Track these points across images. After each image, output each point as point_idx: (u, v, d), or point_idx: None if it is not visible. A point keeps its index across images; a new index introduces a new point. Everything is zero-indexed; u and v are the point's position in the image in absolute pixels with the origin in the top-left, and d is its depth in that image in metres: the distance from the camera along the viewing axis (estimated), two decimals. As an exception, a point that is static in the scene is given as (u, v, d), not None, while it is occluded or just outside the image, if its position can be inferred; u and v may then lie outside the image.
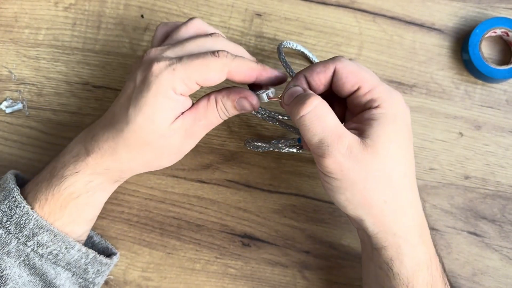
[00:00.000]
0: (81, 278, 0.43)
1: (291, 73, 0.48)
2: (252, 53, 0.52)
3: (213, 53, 0.38)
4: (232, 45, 0.41)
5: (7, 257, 0.40)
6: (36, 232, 0.40)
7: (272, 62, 0.52)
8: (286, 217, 0.50)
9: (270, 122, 0.48)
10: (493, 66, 0.50)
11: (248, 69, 0.39)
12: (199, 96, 0.42)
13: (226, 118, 0.42)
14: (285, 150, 0.48)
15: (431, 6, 0.53)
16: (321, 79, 0.39)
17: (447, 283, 0.41)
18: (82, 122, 0.51)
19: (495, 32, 0.51)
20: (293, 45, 0.50)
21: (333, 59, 0.39)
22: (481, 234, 0.50)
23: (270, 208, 0.50)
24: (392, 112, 0.38)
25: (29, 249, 0.40)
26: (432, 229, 0.50)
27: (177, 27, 0.42)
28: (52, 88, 0.52)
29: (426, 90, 0.52)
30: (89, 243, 0.47)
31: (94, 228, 0.48)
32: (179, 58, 0.38)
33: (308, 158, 0.51)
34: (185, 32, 0.41)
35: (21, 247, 0.40)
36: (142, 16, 0.53)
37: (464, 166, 0.51)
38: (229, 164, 0.51)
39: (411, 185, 0.39)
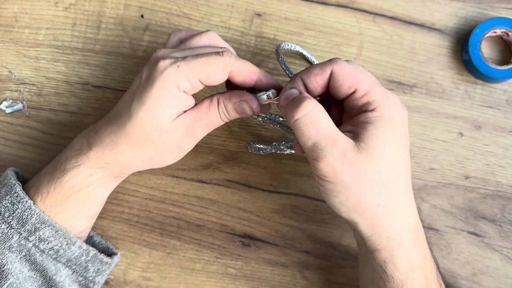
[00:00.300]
0: (81, 276, 0.43)
1: (290, 75, 0.48)
2: (252, 53, 0.52)
3: (218, 52, 0.39)
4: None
5: (9, 252, 0.40)
6: (38, 227, 0.40)
7: (272, 62, 0.52)
8: (286, 217, 0.50)
9: (271, 125, 0.48)
10: (493, 66, 0.50)
11: (250, 71, 0.40)
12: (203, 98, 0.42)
13: (227, 120, 0.42)
14: (287, 152, 0.48)
15: (431, 6, 0.53)
16: (318, 81, 0.39)
17: (442, 285, 0.41)
18: (82, 122, 0.51)
19: (495, 32, 0.51)
20: (291, 46, 0.50)
21: (330, 61, 0.39)
22: (481, 234, 0.50)
23: (270, 208, 0.50)
24: (388, 116, 0.38)
25: (30, 244, 0.40)
26: (432, 229, 0.50)
27: (192, 36, 0.43)
28: (52, 88, 0.52)
29: (426, 90, 0.52)
30: (89, 243, 0.47)
31: (94, 228, 0.48)
32: (184, 57, 0.39)
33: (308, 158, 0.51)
34: (198, 41, 0.42)
35: (22, 242, 0.40)
36: (142, 16, 0.53)
37: (464, 166, 0.51)
38: (229, 164, 0.51)
39: (407, 188, 0.39)
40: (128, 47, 0.52)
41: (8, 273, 0.40)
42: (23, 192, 0.41)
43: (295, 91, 0.39)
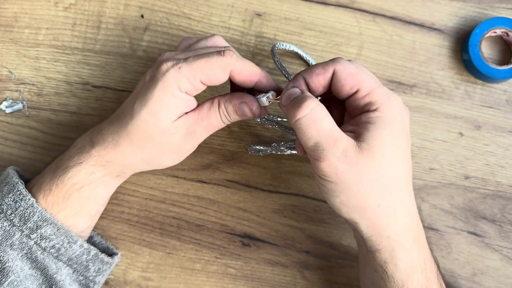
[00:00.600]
0: (82, 276, 0.43)
1: (286, 75, 0.48)
2: (252, 53, 0.52)
3: (218, 52, 0.39)
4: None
5: (10, 249, 0.40)
6: (40, 225, 0.40)
7: (272, 63, 0.52)
8: (286, 217, 0.50)
9: (270, 126, 0.48)
10: (493, 66, 0.50)
11: (251, 72, 0.41)
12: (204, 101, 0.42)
13: (227, 122, 0.42)
14: (288, 152, 0.48)
15: (431, 6, 0.53)
16: (320, 80, 0.40)
17: (443, 285, 0.41)
18: (82, 122, 0.51)
19: (495, 32, 0.51)
20: (286, 46, 0.50)
21: (333, 60, 0.39)
22: (481, 234, 0.50)
23: (270, 208, 0.50)
24: (390, 116, 0.38)
25: (32, 242, 0.40)
26: (432, 229, 0.50)
27: (198, 40, 0.44)
28: (52, 88, 0.52)
29: (426, 90, 0.52)
30: (89, 243, 0.47)
31: (94, 228, 0.48)
32: (186, 59, 0.39)
33: (308, 158, 0.51)
34: (203, 44, 0.43)
35: (24, 239, 0.40)
36: (142, 16, 0.53)
37: (464, 166, 0.51)
38: (229, 164, 0.51)
39: (407, 189, 0.39)
40: (128, 47, 0.52)
41: (9, 270, 0.40)
42: (26, 190, 0.41)
43: (297, 90, 0.39)
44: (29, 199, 0.41)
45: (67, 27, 0.53)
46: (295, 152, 0.47)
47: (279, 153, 0.48)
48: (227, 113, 0.41)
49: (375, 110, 0.38)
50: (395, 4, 0.53)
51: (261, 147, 0.48)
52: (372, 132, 0.37)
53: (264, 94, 0.42)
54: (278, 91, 0.42)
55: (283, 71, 0.48)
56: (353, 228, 0.41)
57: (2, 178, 0.43)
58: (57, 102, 0.52)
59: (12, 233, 0.40)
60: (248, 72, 0.40)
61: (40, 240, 0.41)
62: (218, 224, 0.50)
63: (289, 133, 0.48)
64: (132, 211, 0.50)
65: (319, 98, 0.43)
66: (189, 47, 0.44)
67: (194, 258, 0.50)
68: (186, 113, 0.41)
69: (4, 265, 0.40)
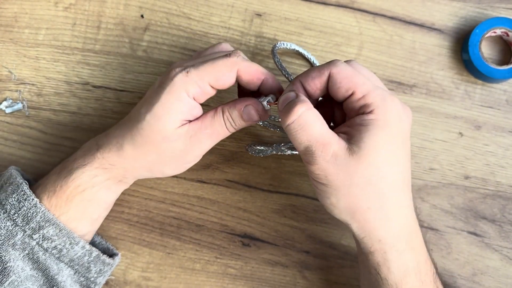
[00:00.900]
0: (83, 277, 0.43)
1: (287, 75, 0.48)
2: (252, 53, 0.52)
3: (225, 55, 0.40)
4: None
5: (12, 249, 0.40)
6: (43, 225, 0.40)
7: (272, 63, 0.52)
8: (286, 217, 0.50)
9: (271, 129, 0.48)
10: (493, 66, 0.50)
11: (257, 71, 0.41)
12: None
13: (232, 130, 0.42)
14: (288, 153, 0.48)
15: (431, 6, 0.53)
16: (316, 84, 0.40)
17: (440, 287, 0.41)
18: (82, 122, 0.51)
19: (495, 32, 0.51)
20: (287, 45, 0.50)
21: (329, 63, 0.39)
22: (481, 234, 0.50)
23: (270, 208, 0.50)
24: (385, 119, 0.38)
25: (34, 242, 0.41)
26: (432, 229, 0.50)
27: (206, 48, 0.45)
28: (52, 88, 0.52)
29: (426, 90, 0.52)
30: (90, 244, 0.47)
31: (94, 228, 0.48)
32: (194, 64, 0.40)
33: (308, 158, 0.51)
34: (211, 50, 0.44)
35: (26, 239, 0.40)
36: (142, 16, 0.53)
37: (464, 166, 0.51)
38: (229, 164, 0.51)
39: (403, 192, 0.39)
40: (128, 47, 0.52)
41: (10, 270, 0.40)
42: (30, 190, 0.41)
43: (291, 94, 0.39)
44: (33, 199, 0.41)
45: (67, 27, 0.53)
46: (296, 152, 0.48)
47: (280, 153, 0.48)
48: (232, 119, 0.42)
49: (369, 112, 0.38)
50: (395, 4, 0.53)
51: (262, 148, 0.48)
52: (364, 135, 0.37)
53: (264, 97, 0.42)
54: (282, 93, 0.42)
55: (283, 71, 0.48)
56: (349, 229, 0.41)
57: (5, 178, 0.43)
58: (57, 102, 0.52)
59: (15, 233, 0.40)
60: (255, 70, 0.41)
61: (42, 240, 0.41)
62: (218, 224, 0.50)
63: None
64: (132, 211, 0.50)
65: (320, 99, 0.43)
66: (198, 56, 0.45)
67: (194, 258, 0.50)
68: (190, 121, 0.41)
69: (5, 264, 0.40)
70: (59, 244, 0.41)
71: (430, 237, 0.50)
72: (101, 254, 0.44)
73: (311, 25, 0.53)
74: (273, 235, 0.50)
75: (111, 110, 0.52)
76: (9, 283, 0.40)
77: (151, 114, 0.40)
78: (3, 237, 0.40)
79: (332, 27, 0.53)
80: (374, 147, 0.37)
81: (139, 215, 0.50)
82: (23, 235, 0.40)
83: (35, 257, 0.41)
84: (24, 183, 0.42)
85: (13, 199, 0.41)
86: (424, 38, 0.53)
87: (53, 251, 0.41)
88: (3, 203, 0.41)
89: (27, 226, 0.40)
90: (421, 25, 0.53)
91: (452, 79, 0.52)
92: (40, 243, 0.41)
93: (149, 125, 0.40)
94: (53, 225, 0.41)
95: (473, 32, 0.51)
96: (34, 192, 0.42)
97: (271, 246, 0.50)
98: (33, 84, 0.52)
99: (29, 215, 0.40)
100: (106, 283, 0.49)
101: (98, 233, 0.48)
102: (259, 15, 0.53)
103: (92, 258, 0.43)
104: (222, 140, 0.51)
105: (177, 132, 0.40)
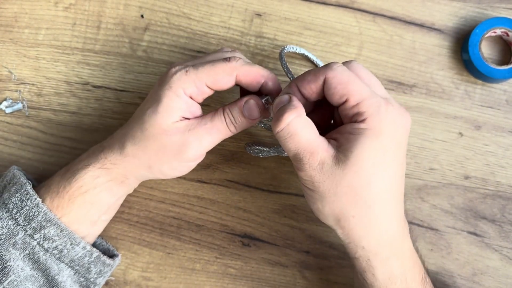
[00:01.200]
0: (83, 277, 0.43)
1: (291, 79, 0.48)
2: (252, 53, 0.52)
3: (225, 59, 0.41)
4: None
5: (13, 248, 0.40)
6: (44, 225, 0.41)
7: (272, 62, 0.52)
8: (286, 217, 0.50)
9: (271, 131, 0.48)
10: (493, 66, 0.50)
11: (257, 73, 0.41)
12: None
13: (233, 128, 0.42)
14: (285, 155, 0.47)
15: (431, 6, 0.53)
16: (312, 88, 0.39)
17: None
18: (82, 122, 0.51)
19: (495, 32, 0.51)
20: (296, 49, 0.50)
21: (326, 67, 0.39)
22: (481, 234, 0.50)
23: (270, 208, 0.50)
24: (377, 129, 0.37)
25: (35, 242, 0.41)
26: (432, 229, 0.50)
27: (208, 53, 0.46)
28: (52, 88, 0.52)
29: (426, 90, 0.52)
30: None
31: (94, 228, 0.48)
32: (194, 65, 0.41)
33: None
34: (212, 54, 0.44)
35: (27, 239, 0.40)
36: (142, 16, 0.53)
37: (464, 166, 0.51)
38: (229, 164, 0.51)
39: (392, 202, 0.39)
40: (128, 47, 0.52)
41: (10, 270, 0.40)
42: (33, 190, 0.42)
43: (285, 98, 0.39)
44: (35, 198, 0.41)
45: (67, 27, 0.53)
46: None
47: (280, 154, 0.48)
48: (232, 116, 0.42)
49: (361, 121, 0.37)
50: (395, 4, 0.53)
51: (262, 148, 0.48)
52: (352, 144, 0.37)
53: (263, 96, 0.42)
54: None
55: (288, 75, 0.48)
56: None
57: (8, 178, 0.44)
58: (57, 102, 0.52)
59: (16, 232, 0.40)
60: (254, 73, 0.41)
61: (43, 240, 0.41)
62: (218, 224, 0.50)
63: None
64: (132, 211, 0.50)
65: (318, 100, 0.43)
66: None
67: (194, 258, 0.50)
68: (189, 119, 0.41)
69: (5, 264, 0.40)
70: (60, 245, 0.41)
71: (430, 237, 0.49)
72: (102, 255, 0.44)
73: (311, 25, 0.53)
74: (273, 235, 0.50)
75: (111, 110, 0.52)
76: (8, 282, 0.40)
77: (150, 109, 0.41)
78: (4, 236, 0.40)
79: (332, 27, 0.53)
80: (362, 157, 0.37)
81: (139, 215, 0.50)
82: (24, 234, 0.40)
83: (35, 257, 0.41)
84: (27, 183, 0.42)
85: (16, 198, 0.41)
86: (424, 38, 0.53)
87: (53, 252, 0.41)
88: (6, 202, 0.41)
89: (29, 226, 0.40)
90: (421, 25, 0.53)
91: (452, 79, 0.52)
92: (41, 243, 0.41)
93: (149, 120, 0.41)
94: (54, 225, 0.41)
95: (473, 32, 0.51)
96: (37, 193, 0.42)
97: (271, 246, 0.50)
98: (33, 84, 0.52)
99: (30, 214, 0.41)
100: (106, 283, 0.49)
101: (98, 233, 0.49)
102: (259, 15, 0.53)
103: (92, 259, 0.43)
104: (222, 140, 0.51)
105: (176, 126, 0.41)
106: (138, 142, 0.41)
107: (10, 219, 0.41)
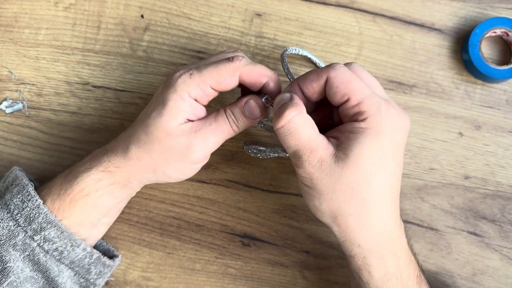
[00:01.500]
0: (83, 278, 0.43)
1: (292, 80, 0.48)
2: (252, 53, 0.52)
3: (228, 59, 0.41)
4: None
5: (13, 250, 0.40)
6: (44, 227, 0.40)
7: (272, 62, 0.52)
8: (286, 217, 0.50)
9: (270, 131, 0.48)
10: (493, 66, 0.50)
11: (259, 73, 0.41)
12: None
13: (236, 128, 0.43)
14: (282, 155, 0.47)
15: (431, 6, 0.53)
16: (314, 87, 0.40)
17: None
18: (82, 122, 0.51)
19: (495, 32, 0.51)
20: (299, 51, 0.50)
21: (328, 67, 0.39)
22: (481, 234, 0.50)
23: (270, 208, 0.50)
24: (377, 128, 0.37)
25: (35, 244, 0.41)
26: (432, 229, 0.50)
27: (211, 56, 0.46)
28: (52, 88, 0.52)
29: (426, 90, 0.52)
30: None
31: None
32: (197, 67, 0.41)
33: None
34: (214, 56, 0.44)
35: (27, 240, 0.40)
36: (142, 16, 0.53)
37: (464, 166, 0.51)
38: (229, 164, 0.51)
39: (389, 201, 0.39)
40: (128, 47, 0.52)
41: (10, 271, 0.40)
42: (35, 191, 0.42)
43: (286, 96, 0.39)
44: (37, 200, 0.41)
45: (67, 27, 0.53)
46: None
47: (276, 155, 0.47)
48: (234, 116, 0.42)
49: (362, 120, 0.38)
50: (395, 4, 0.53)
51: (260, 148, 0.47)
52: (352, 143, 0.37)
53: (262, 95, 0.42)
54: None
55: (289, 75, 0.48)
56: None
57: (10, 179, 0.44)
58: (57, 102, 0.52)
59: (16, 233, 0.40)
60: (257, 73, 0.41)
61: (44, 242, 0.41)
62: (218, 224, 0.50)
63: None
64: (132, 211, 0.50)
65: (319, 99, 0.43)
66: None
67: (194, 258, 0.50)
68: (194, 121, 0.42)
69: (5, 264, 0.40)
70: (60, 246, 0.41)
71: (430, 237, 0.49)
72: (102, 256, 0.44)
73: (311, 25, 0.53)
74: (273, 235, 0.50)
75: (111, 110, 0.52)
76: (8, 283, 0.40)
77: (155, 112, 0.41)
78: (4, 237, 0.40)
79: (332, 27, 0.53)
80: (362, 156, 0.37)
81: (139, 215, 0.50)
82: (25, 236, 0.40)
83: (35, 259, 0.41)
84: (29, 184, 0.42)
85: (17, 199, 0.41)
86: (424, 38, 0.53)
87: (54, 253, 0.41)
88: (8, 203, 0.41)
89: (29, 227, 0.40)
90: (421, 25, 0.53)
91: (452, 79, 0.52)
92: (41, 244, 0.41)
93: (154, 122, 0.41)
94: (54, 227, 0.41)
95: (473, 32, 0.51)
96: (39, 194, 0.42)
97: (271, 246, 0.50)
98: (33, 84, 0.52)
99: (31, 216, 0.40)
100: (106, 283, 0.49)
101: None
102: (259, 15, 0.53)
103: (92, 260, 0.43)
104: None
105: (181, 128, 0.41)
106: (142, 145, 0.41)
107: (11, 220, 0.40)
